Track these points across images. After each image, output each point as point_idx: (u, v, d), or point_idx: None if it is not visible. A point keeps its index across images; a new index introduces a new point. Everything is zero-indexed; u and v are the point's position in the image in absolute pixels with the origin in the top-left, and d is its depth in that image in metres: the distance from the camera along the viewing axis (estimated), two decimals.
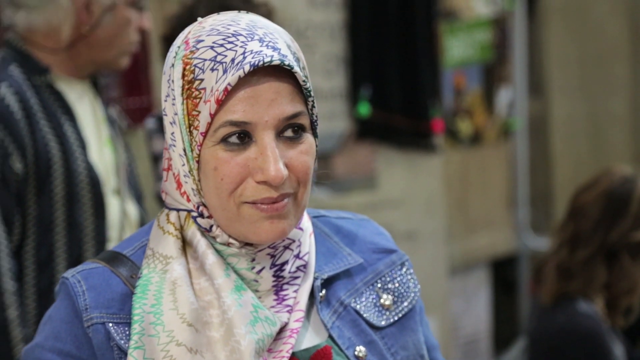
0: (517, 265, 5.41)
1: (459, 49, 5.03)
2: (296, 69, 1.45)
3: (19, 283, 2.46)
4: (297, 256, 1.54)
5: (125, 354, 1.46)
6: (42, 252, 2.49)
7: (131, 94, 3.79)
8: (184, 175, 1.50)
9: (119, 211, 2.63)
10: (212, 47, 1.45)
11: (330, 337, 1.54)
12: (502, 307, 5.41)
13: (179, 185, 1.51)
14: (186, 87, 1.46)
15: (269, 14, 2.84)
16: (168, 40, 2.92)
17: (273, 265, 1.51)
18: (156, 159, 3.15)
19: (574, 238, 2.93)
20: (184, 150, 1.48)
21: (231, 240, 1.49)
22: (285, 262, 1.52)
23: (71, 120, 2.55)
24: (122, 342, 1.47)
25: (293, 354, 1.50)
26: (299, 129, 1.47)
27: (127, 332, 1.48)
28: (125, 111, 3.72)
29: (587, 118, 5.73)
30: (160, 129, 3.09)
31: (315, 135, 1.51)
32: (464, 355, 5.12)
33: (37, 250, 2.49)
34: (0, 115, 2.44)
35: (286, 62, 1.44)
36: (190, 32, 1.50)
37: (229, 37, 1.45)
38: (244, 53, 1.43)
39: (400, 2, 4.49)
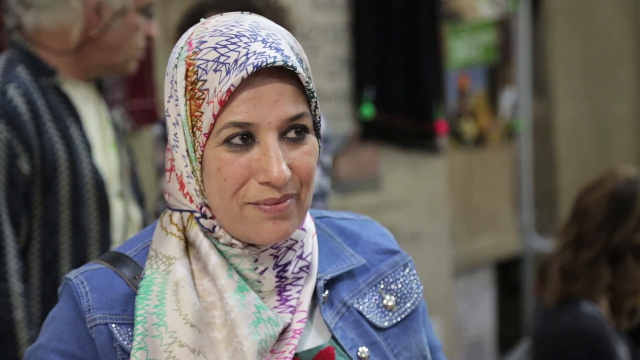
0: (522, 267, 5.41)
1: (463, 50, 5.03)
2: (299, 69, 1.45)
3: (24, 284, 2.47)
4: (300, 257, 1.54)
5: (128, 355, 1.46)
6: (47, 254, 2.49)
7: (135, 95, 3.79)
8: (187, 176, 1.50)
9: (123, 214, 2.64)
10: (215, 48, 1.45)
11: (333, 337, 1.54)
12: (506, 309, 5.41)
13: (182, 186, 1.51)
14: (189, 88, 1.46)
15: (283, 14, 2.82)
16: (183, 31, 2.90)
17: (276, 265, 1.51)
18: (159, 171, 3.14)
19: (578, 239, 2.93)
20: (187, 151, 1.48)
21: (234, 241, 1.50)
22: (288, 263, 1.52)
23: (77, 122, 2.55)
24: (125, 342, 1.47)
25: (296, 354, 1.50)
26: (302, 130, 1.47)
27: (130, 333, 1.48)
28: (129, 113, 3.72)
29: (591, 119, 5.73)
30: (164, 137, 3.08)
31: (318, 136, 1.51)
32: (468, 357, 5.12)
33: (42, 252, 2.49)
34: (8, 116, 2.44)
35: (289, 63, 1.44)
36: (193, 33, 1.50)
37: (232, 38, 1.45)
38: (247, 54, 1.44)
39: (404, 3, 4.49)
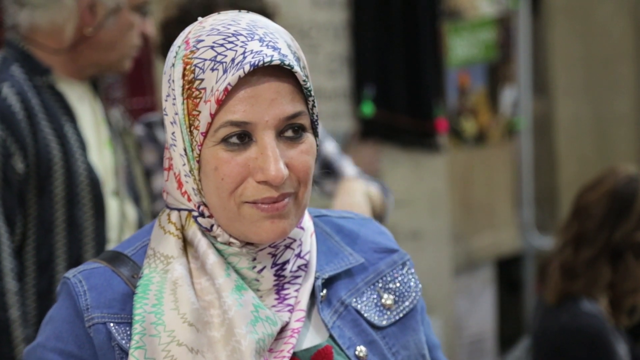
0: (522, 265, 5.41)
1: (463, 48, 5.02)
2: (296, 68, 1.45)
3: (19, 283, 2.47)
4: (299, 255, 1.53)
5: (127, 354, 1.47)
6: (42, 253, 2.49)
7: (134, 94, 3.79)
8: (185, 175, 1.50)
9: (118, 212, 2.63)
10: (212, 47, 1.45)
11: (331, 336, 1.54)
12: (506, 307, 5.41)
13: (180, 184, 1.51)
14: (186, 87, 1.46)
15: (272, 14, 2.83)
16: (169, 27, 2.89)
17: (274, 264, 1.51)
18: (148, 173, 3.12)
19: (578, 237, 2.93)
20: (185, 150, 1.48)
21: (232, 240, 1.50)
22: (287, 262, 1.52)
23: (72, 121, 2.55)
24: (124, 342, 1.48)
25: (294, 353, 1.50)
26: (299, 129, 1.47)
27: (129, 332, 1.48)
28: (129, 112, 3.72)
29: (591, 118, 5.73)
30: (149, 137, 3.07)
31: (315, 134, 1.51)
32: (468, 355, 5.12)
33: (37, 250, 2.49)
34: (2, 115, 2.44)
35: (286, 62, 1.44)
36: (190, 32, 1.50)
37: (229, 37, 1.45)
38: (244, 53, 1.44)
39: (404, 1, 4.49)
